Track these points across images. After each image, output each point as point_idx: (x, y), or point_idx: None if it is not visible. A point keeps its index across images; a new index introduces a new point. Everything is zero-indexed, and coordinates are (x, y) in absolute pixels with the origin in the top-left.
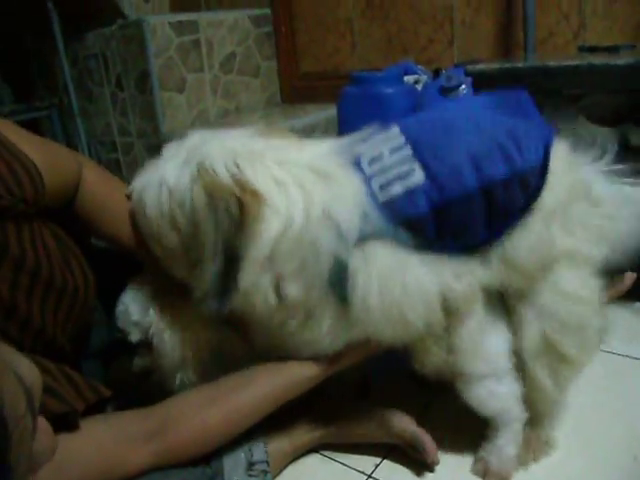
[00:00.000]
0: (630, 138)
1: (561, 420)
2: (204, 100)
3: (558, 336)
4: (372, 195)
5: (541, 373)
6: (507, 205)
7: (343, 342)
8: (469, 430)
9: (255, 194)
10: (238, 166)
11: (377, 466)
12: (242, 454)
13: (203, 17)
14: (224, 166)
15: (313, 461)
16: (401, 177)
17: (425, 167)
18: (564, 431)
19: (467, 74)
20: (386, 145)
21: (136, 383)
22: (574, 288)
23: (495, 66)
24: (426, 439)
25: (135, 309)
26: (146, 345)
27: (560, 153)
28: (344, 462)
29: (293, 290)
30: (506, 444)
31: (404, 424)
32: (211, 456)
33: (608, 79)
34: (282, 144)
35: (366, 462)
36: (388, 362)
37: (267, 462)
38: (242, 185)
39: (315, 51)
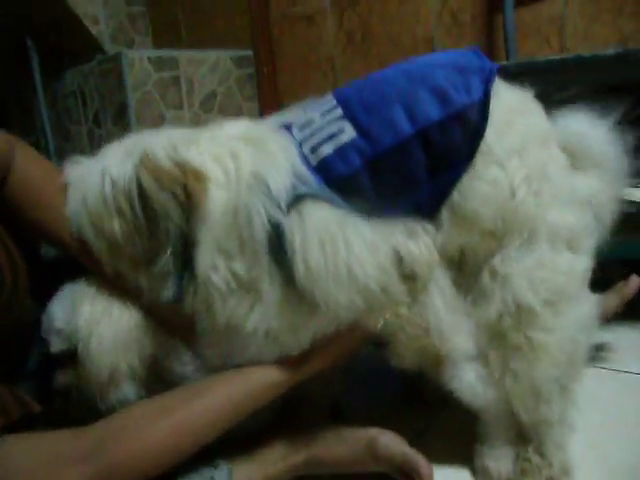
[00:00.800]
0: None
1: (571, 441)
2: None
3: (502, 320)
4: (304, 158)
5: (492, 361)
6: (447, 148)
7: (306, 337)
8: (466, 459)
9: (197, 175)
10: (176, 150)
11: None
12: None
13: (183, 54)
14: (163, 152)
15: None
16: (331, 137)
17: (355, 124)
18: (580, 451)
19: None
20: (317, 110)
21: (61, 405)
22: (515, 266)
23: None
24: (420, 461)
25: (59, 314)
26: (71, 356)
27: (510, 94)
28: None
29: (239, 266)
30: (500, 443)
31: (394, 445)
32: None
33: (596, 71)
34: (218, 124)
35: None
36: (379, 385)
37: None
38: (183, 168)
39: (297, 90)
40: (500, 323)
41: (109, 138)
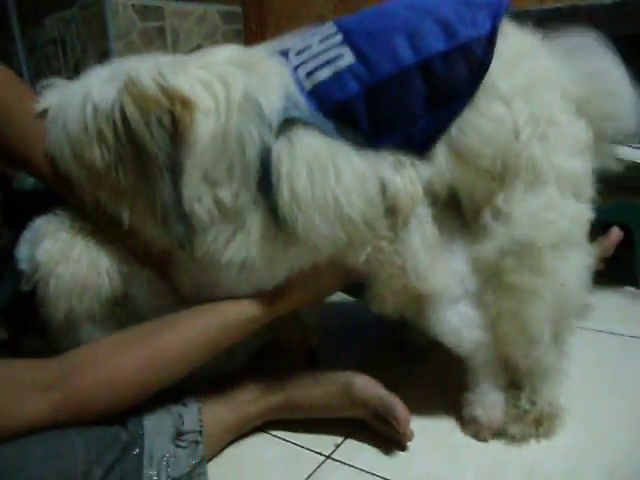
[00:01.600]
0: None
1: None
2: None
3: (500, 260)
4: (299, 82)
5: (486, 301)
6: (449, 81)
7: (282, 272)
8: (450, 405)
9: (185, 102)
10: (163, 75)
11: (338, 446)
12: (170, 419)
13: (170, 5)
14: (149, 77)
15: (260, 441)
16: (329, 62)
17: (355, 50)
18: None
19: None
20: (316, 36)
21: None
22: (520, 208)
23: None
24: (397, 405)
25: (23, 253)
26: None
27: (519, 36)
28: (298, 442)
29: (225, 194)
30: (489, 390)
31: (370, 388)
32: (128, 417)
33: (593, 22)
34: (208, 50)
35: (325, 442)
36: (359, 335)
37: (200, 432)
38: (170, 94)
39: None
40: (499, 262)
41: None
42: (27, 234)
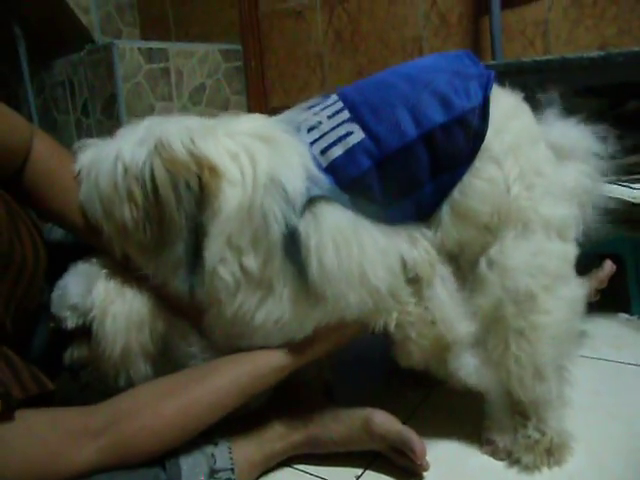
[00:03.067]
0: (606, 138)
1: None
2: None
3: (501, 307)
4: (315, 160)
5: (491, 346)
6: (450, 150)
7: (311, 325)
8: (463, 434)
9: (213, 169)
10: (193, 141)
11: (358, 478)
12: (203, 459)
13: (173, 46)
14: (180, 142)
15: (285, 475)
16: (340, 139)
17: (363, 126)
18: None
19: None
20: (324, 112)
21: (72, 381)
22: (513, 257)
23: None
24: (414, 439)
25: (74, 290)
26: (84, 333)
27: (506, 98)
28: (321, 475)
29: (252, 263)
30: (505, 417)
31: (388, 423)
32: (166, 459)
33: (581, 73)
34: (232, 118)
35: (345, 474)
36: (371, 366)
37: (232, 470)
38: (199, 161)
39: (285, 86)
40: (499, 310)
41: (97, 128)
42: (73, 273)
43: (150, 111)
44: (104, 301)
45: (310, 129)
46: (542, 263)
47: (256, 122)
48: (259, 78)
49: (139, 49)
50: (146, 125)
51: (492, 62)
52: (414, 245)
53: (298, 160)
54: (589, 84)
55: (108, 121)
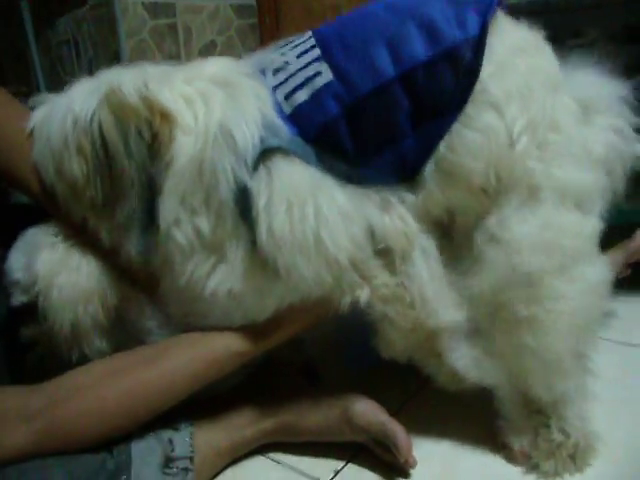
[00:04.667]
0: None
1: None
2: None
3: (504, 291)
4: (278, 106)
5: (495, 335)
6: (435, 93)
7: (272, 304)
8: (459, 429)
9: (165, 115)
10: (147, 87)
11: (337, 472)
12: (158, 445)
13: (181, 1)
14: (132, 87)
15: (257, 465)
16: (307, 81)
17: (333, 66)
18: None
19: None
20: (293, 51)
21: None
22: (516, 230)
23: None
24: (398, 433)
25: (15, 265)
26: (32, 308)
27: (516, 31)
28: (296, 467)
29: (204, 224)
30: (520, 417)
31: (371, 413)
32: (117, 444)
33: (620, 10)
34: (198, 62)
35: (324, 467)
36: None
37: (191, 458)
38: (151, 106)
39: None
40: (502, 293)
41: None
42: (19, 245)
43: None
44: (48, 273)
45: (276, 71)
46: (552, 239)
47: (219, 66)
48: (274, 34)
49: (143, 3)
50: (102, 75)
51: (513, 0)
52: (386, 211)
53: (254, 106)
54: (630, 23)
55: None
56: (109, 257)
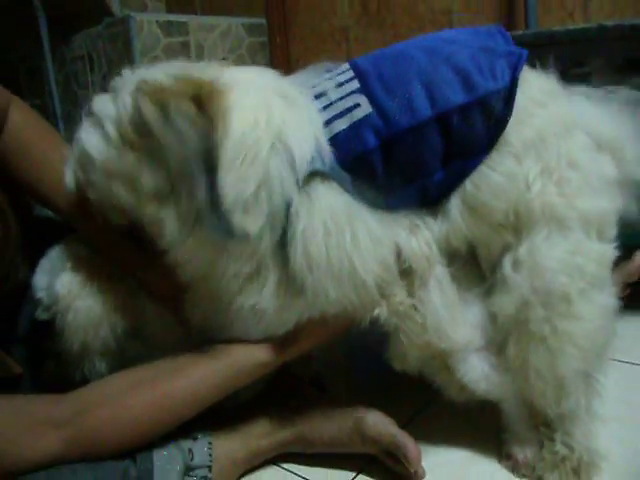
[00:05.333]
0: None
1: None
2: None
3: (525, 311)
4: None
5: (511, 354)
6: (466, 136)
7: (292, 319)
8: (466, 441)
9: (213, 87)
10: (185, 69)
11: None
12: (179, 454)
13: (194, 20)
14: (165, 75)
15: (270, 475)
16: (347, 112)
17: (372, 99)
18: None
19: None
20: (332, 80)
21: (50, 369)
22: (545, 256)
23: None
24: (409, 444)
25: (39, 284)
26: (53, 325)
27: (536, 81)
28: (308, 477)
29: (251, 224)
30: (524, 429)
31: (382, 426)
32: (140, 452)
33: (621, 44)
34: (238, 67)
35: (335, 478)
36: (378, 362)
37: (210, 467)
38: (194, 82)
39: (310, 61)
40: (523, 312)
41: None
42: (44, 263)
43: None
44: (67, 295)
45: (317, 96)
46: (581, 263)
47: (266, 75)
48: (284, 53)
49: (157, 22)
50: (117, 81)
51: (519, 32)
52: (414, 234)
53: (311, 125)
54: (631, 56)
55: None
56: (139, 271)
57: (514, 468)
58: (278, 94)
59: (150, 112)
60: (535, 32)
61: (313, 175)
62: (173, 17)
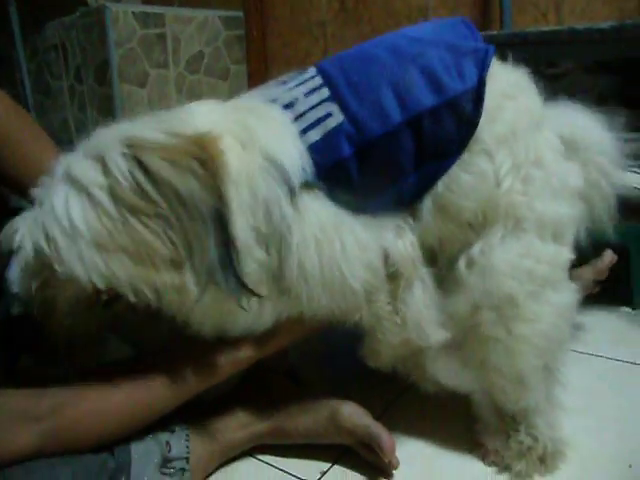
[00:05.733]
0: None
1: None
2: (167, 97)
3: (477, 313)
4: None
5: (468, 353)
6: (438, 138)
7: (273, 319)
8: (438, 432)
9: (208, 141)
10: (170, 124)
11: (324, 473)
12: (156, 446)
13: (170, 11)
14: (153, 131)
15: (247, 466)
16: (319, 122)
17: (343, 107)
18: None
19: None
20: (300, 89)
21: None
22: (497, 257)
23: None
24: (383, 435)
25: (15, 276)
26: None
27: (504, 76)
28: (284, 468)
29: (263, 290)
30: (494, 420)
31: (357, 417)
32: (117, 445)
33: (591, 46)
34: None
35: (311, 468)
36: (350, 354)
37: (187, 459)
38: (189, 139)
39: (287, 55)
40: (476, 315)
41: (90, 95)
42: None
43: (144, 78)
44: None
45: (286, 107)
46: (530, 267)
47: (232, 100)
48: (260, 47)
49: (133, 13)
50: (67, 159)
51: (494, 32)
52: (399, 236)
53: (291, 135)
54: (600, 59)
55: (100, 88)
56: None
57: (484, 456)
58: (246, 110)
59: (163, 169)
60: (509, 33)
61: (301, 186)
62: (149, 8)
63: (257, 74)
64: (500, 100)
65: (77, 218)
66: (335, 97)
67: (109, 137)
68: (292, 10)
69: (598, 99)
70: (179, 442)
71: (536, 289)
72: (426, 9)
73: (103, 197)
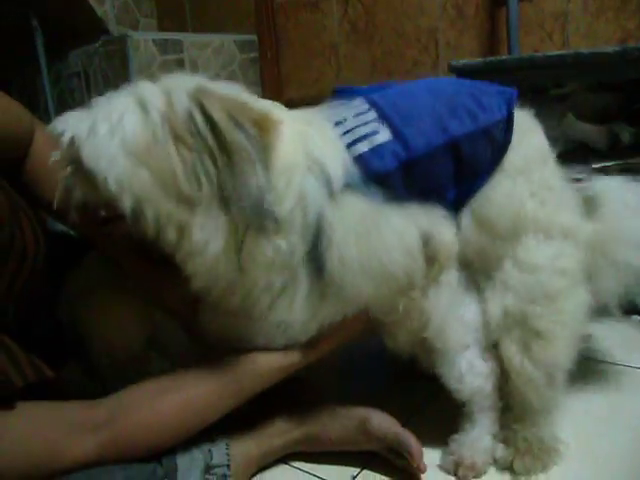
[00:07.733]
0: (620, 136)
1: (559, 422)
2: None
3: (524, 308)
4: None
5: (510, 349)
6: (474, 160)
7: (315, 326)
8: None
9: (270, 118)
10: (240, 95)
11: (354, 478)
12: (200, 455)
13: (188, 37)
14: (223, 90)
15: (281, 472)
16: (366, 137)
17: (391, 127)
18: (563, 439)
19: (451, 70)
20: (349, 111)
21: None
22: (538, 257)
23: (479, 60)
24: (411, 441)
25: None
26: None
27: (524, 115)
28: (316, 474)
29: (283, 243)
30: (481, 435)
31: (386, 425)
32: (164, 455)
33: (596, 69)
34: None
35: (342, 473)
36: (376, 362)
37: (228, 466)
38: (255, 110)
39: (300, 77)
40: (523, 310)
41: None
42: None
43: None
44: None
45: (336, 124)
46: (564, 265)
47: (287, 110)
48: (274, 69)
49: (153, 40)
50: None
51: (503, 57)
52: (444, 224)
53: (338, 147)
54: (605, 80)
55: None
56: (157, 286)
57: (457, 467)
58: (306, 122)
59: (220, 117)
60: (517, 57)
61: (344, 188)
62: (168, 35)
63: (271, 95)
64: (519, 136)
65: (127, 124)
66: (382, 118)
67: (183, 80)
68: (304, 33)
69: (602, 117)
70: (220, 450)
71: (571, 284)
72: (435, 30)
73: (157, 119)
